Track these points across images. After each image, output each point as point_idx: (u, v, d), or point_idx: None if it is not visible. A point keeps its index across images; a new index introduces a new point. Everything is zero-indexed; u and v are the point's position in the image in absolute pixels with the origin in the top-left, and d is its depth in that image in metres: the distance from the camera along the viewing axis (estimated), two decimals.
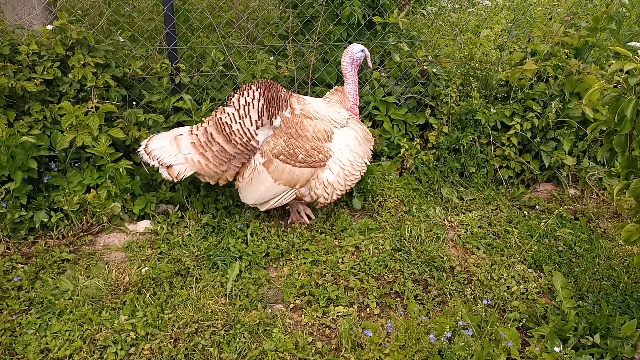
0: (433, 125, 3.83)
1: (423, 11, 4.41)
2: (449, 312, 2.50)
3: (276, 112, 2.88)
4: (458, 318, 2.39)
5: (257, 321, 2.41)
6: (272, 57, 3.71)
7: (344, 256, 2.93)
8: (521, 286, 2.73)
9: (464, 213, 3.43)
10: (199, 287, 2.64)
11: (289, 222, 3.26)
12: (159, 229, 3.06)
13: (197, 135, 2.88)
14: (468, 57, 3.95)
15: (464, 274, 2.84)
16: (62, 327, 2.33)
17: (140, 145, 2.93)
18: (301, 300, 2.61)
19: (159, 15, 4.22)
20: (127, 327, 2.33)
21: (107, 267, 2.76)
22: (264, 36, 3.92)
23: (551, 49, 3.68)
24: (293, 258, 2.93)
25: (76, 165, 3.21)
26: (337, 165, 2.97)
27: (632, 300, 2.65)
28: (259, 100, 2.85)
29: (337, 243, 3.08)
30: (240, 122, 2.83)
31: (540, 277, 2.86)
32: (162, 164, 2.86)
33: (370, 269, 2.84)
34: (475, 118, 3.71)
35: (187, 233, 3.05)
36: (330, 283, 2.71)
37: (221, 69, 3.61)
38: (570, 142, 3.70)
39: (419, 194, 3.62)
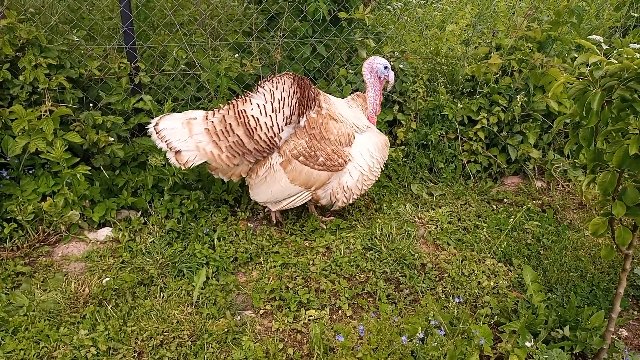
0: (401, 121, 3.81)
1: (389, 7, 4.38)
2: (421, 311, 2.47)
3: (305, 110, 2.79)
4: (430, 317, 2.36)
5: (226, 330, 2.33)
6: (237, 55, 3.61)
7: (315, 257, 2.87)
8: (492, 281, 2.73)
9: (433, 209, 3.42)
10: (163, 296, 2.53)
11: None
12: (120, 236, 2.93)
13: (212, 122, 2.71)
14: (434, 52, 3.95)
15: (435, 270, 2.82)
16: (17, 346, 2.19)
17: (150, 123, 2.74)
18: (271, 306, 2.54)
19: (116, 13, 4.06)
20: (88, 342, 2.21)
21: (66, 279, 2.62)
22: (227, 33, 3.81)
23: (515, 43, 3.71)
24: (262, 262, 2.85)
25: (30, 172, 3.04)
26: (357, 171, 2.95)
27: (599, 291, 2.69)
28: (292, 98, 2.72)
29: (307, 244, 3.02)
30: (271, 116, 2.70)
31: (510, 271, 2.87)
32: (170, 148, 2.68)
33: (341, 269, 2.79)
34: (442, 113, 3.71)
35: (151, 240, 2.92)
36: (301, 286, 2.65)
37: (183, 67, 3.49)
38: (536, 135, 3.74)
39: (389, 191, 3.59)
